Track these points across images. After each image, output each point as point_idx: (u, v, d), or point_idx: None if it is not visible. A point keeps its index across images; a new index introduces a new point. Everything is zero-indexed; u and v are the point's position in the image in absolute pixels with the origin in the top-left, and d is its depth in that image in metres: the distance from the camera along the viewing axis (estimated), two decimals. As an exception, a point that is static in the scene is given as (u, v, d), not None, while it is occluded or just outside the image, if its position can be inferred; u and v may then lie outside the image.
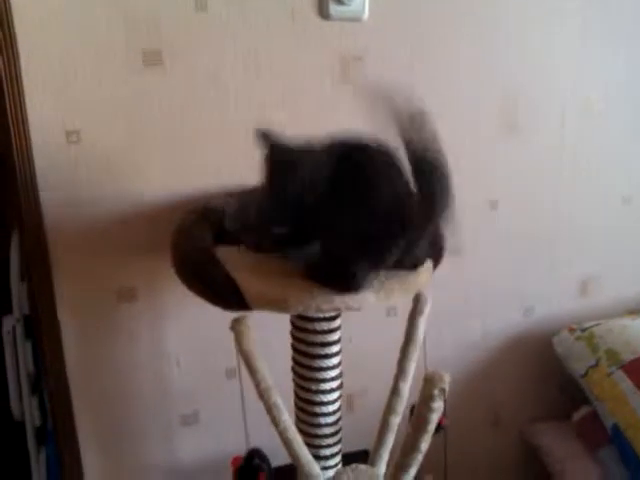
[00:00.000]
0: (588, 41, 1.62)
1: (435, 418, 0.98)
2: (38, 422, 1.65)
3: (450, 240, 1.14)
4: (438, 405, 0.96)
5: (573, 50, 1.62)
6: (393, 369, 1.24)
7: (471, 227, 1.64)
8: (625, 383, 1.58)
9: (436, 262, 1.20)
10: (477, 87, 1.54)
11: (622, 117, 1.74)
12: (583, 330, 1.75)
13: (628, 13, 1.64)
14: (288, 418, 1.09)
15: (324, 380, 1.15)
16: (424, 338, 1.22)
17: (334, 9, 1.35)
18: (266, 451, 1.16)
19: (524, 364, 1.87)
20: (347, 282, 0.97)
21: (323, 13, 1.35)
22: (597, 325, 1.76)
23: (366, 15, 1.38)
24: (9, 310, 1.57)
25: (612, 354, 1.65)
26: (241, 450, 1.17)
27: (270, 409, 1.07)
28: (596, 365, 1.67)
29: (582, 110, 1.68)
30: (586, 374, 1.68)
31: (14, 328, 1.53)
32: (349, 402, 1.66)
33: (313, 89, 1.40)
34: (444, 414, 1.01)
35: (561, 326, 1.81)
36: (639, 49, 1.69)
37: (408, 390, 1.20)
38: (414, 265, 1.07)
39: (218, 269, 1.01)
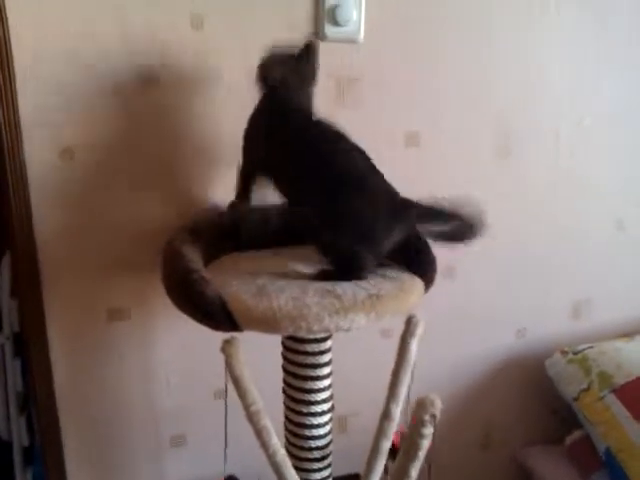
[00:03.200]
0: (581, 62, 1.64)
1: (426, 444, 0.97)
2: (26, 442, 1.63)
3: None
4: (429, 431, 0.95)
5: (566, 71, 1.63)
6: (385, 388, 1.23)
7: (463, 249, 1.64)
8: (617, 407, 1.58)
9: (427, 284, 1.20)
10: (471, 109, 1.55)
11: (616, 140, 1.75)
12: (575, 353, 1.75)
13: (621, 33, 1.66)
14: (277, 442, 1.08)
15: (315, 402, 1.14)
16: (415, 360, 1.21)
17: (330, 30, 1.36)
18: (255, 475, 1.15)
19: (516, 386, 1.86)
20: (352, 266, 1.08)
21: (319, 34, 1.37)
22: (590, 348, 1.75)
23: (362, 37, 1.40)
24: (-1, 327, 1.56)
25: (604, 377, 1.65)
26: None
27: (259, 432, 1.06)
28: (588, 388, 1.66)
29: (576, 133, 1.69)
30: (578, 397, 1.68)
31: (3, 346, 1.51)
32: (341, 423, 1.65)
33: (308, 110, 1.40)
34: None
35: (554, 348, 1.81)
36: (633, 70, 1.71)
37: (400, 413, 1.19)
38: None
39: (207, 289, 1.00)
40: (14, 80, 1.20)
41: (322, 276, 1.10)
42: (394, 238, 1.08)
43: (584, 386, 1.68)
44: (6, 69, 1.19)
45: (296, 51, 1.19)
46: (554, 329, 1.85)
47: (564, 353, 1.77)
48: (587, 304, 1.86)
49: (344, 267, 1.09)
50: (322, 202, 1.06)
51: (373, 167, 1.10)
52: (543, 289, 1.79)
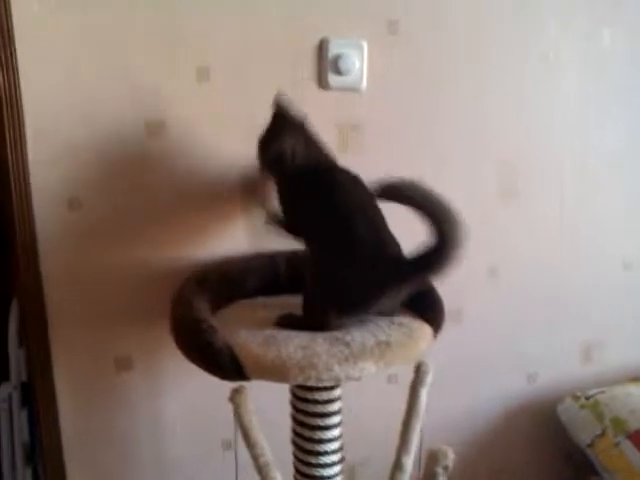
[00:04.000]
0: (586, 106, 1.65)
1: (438, 496, 0.95)
2: (31, 494, 1.60)
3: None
4: (441, 482, 0.94)
5: (571, 114, 1.64)
6: (395, 437, 1.21)
7: (471, 293, 1.64)
8: (633, 453, 1.54)
9: (436, 329, 1.19)
10: (475, 154, 1.57)
11: (621, 181, 1.75)
12: (587, 398, 1.72)
13: (626, 78, 1.68)
14: (287, 494, 1.06)
15: (325, 453, 1.13)
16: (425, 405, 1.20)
17: (333, 79, 1.39)
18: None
19: (528, 432, 1.83)
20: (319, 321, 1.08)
21: (322, 83, 1.39)
22: (601, 393, 1.73)
23: (364, 85, 1.42)
24: (6, 377, 1.55)
25: (618, 423, 1.62)
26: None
27: (269, 484, 1.04)
28: (602, 434, 1.63)
29: (581, 175, 1.69)
30: (593, 444, 1.65)
31: (10, 396, 1.50)
32: (351, 472, 1.62)
33: (313, 157, 1.42)
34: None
35: (565, 393, 1.78)
36: (637, 113, 1.72)
37: (411, 464, 1.17)
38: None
39: (216, 339, 1.00)
40: (24, 131, 1.22)
41: (286, 320, 1.12)
42: (394, 298, 1.12)
43: (598, 432, 1.65)
44: (16, 121, 1.22)
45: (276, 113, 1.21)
46: (565, 373, 1.82)
47: (576, 398, 1.74)
48: (597, 347, 1.84)
49: (309, 318, 1.11)
50: (327, 260, 1.09)
51: (383, 230, 1.13)
52: (553, 333, 1.78)
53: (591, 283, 1.78)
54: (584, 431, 1.68)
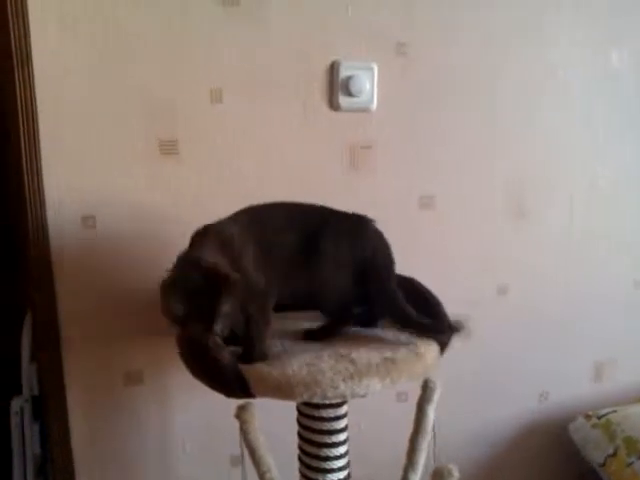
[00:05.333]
0: (595, 124, 1.66)
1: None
2: (41, 507, 1.61)
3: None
4: (446, 501, 0.93)
5: (579, 133, 1.65)
6: (404, 455, 1.20)
7: (481, 312, 1.63)
8: (646, 473, 1.53)
9: (443, 347, 1.19)
10: (484, 173, 1.58)
11: (631, 199, 1.75)
12: (599, 417, 1.71)
13: (634, 96, 1.69)
14: (293, 511, 1.06)
15: (331, 470, 1.12)
16: (433, 425, 1.20)
17: (344, 101, 1.41)
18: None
19: (540, 451, 1.82)
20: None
21: (333, 105, 1.41)
22: (614, 412, 1.71)
23: (374, 106, 1.44)
24: (19, 390, 1.56)
25: (630, 442, 1.60)
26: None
27: (274, 501, 1.05)
28: (615, 454, 1.62)
29: (590, 193, 1.70)
30: (605, 463, 1.63)
31: (22, 409, 1.52)
32: (359, 490, 1.62)
33: (323, 177, 1.44)
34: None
35: (576, 412, 1.77)
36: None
37: (418, 481, 1.17)
38: None
39: (222, 357, 1.01)
40: (39, 149, 1.25)
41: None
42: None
43: (610, 451, 1.63)
44: (33, 139, 1.25)
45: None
46: (576, 392, 1.81)
47: (588, 417, 1.73)
48: (609, 366, 1.83)
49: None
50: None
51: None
52: (564, 351, 1.77)
53: (602, 301, 1.77)
54: (596, 451, 1.67)
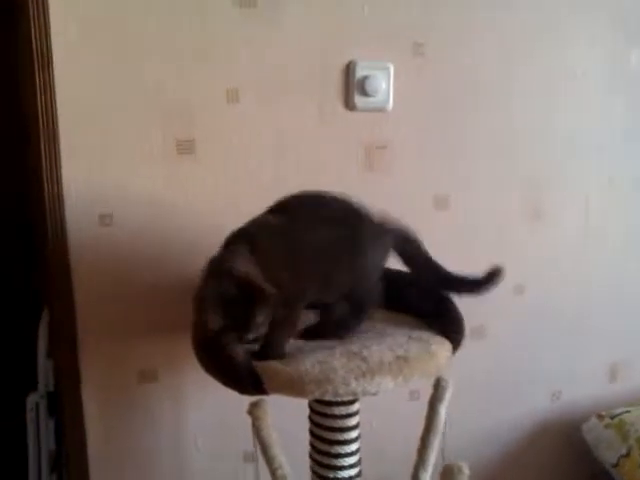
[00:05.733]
0: (611, 124, 1.65)
1: (454, 512, 0.95)
2: (56, 501, 1.63)
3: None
4: (456, 498, 0.93)
5: (596, 132, 1.65)
6: (415, 453, 1.21)
7: (497, 311, 1.63)
8: (659, 474, 1.52)
9: (456, 346, 1.19)
10: (500, 173, 1.58)
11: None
12: (612, 417, 1.70)
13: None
14: (304, 507, 1.07)
15: (342, 467, 1.13)
16: (445, 424, 1.20)
17: (360, 100, 1.42)
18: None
19: (552, 450, 1.81)
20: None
21: (349, 105, 1.42)
22: (627, 412, 1.71)
23: (390, 106, 1.45)
24: (34, 387, 1.59)
25: (644, 443, 1.60)
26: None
27: (286, 497, 1.05)
28: (627, 454, 1.61)
29: (606, 193, 1.69)
30: (618, 464, 1.63)
31: (37, 405, 1.54)
32: (370, 488, 1.62)
33: (339, 176, 1.45)
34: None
35: (590, 412, 1.76)
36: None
37: (429, 480, 1.17)
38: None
39: (235, 354, 1.02)
40: (59, 149, 1.27)
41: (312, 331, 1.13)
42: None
43: (623, 452, 1.63)
44: (52, 139, 1.26)
45: None
46: (590, 392, 1.81)
47: (601, 417, 1.72)
48: (623, 366, 1.82)
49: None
50: None
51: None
52: (578, 351, 1.76)
53: (617, 302, 1.77)
54: (609, 451, 1.66)
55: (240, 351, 1.02)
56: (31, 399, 1.52)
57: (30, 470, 1.60)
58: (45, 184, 1.27)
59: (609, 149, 1.67)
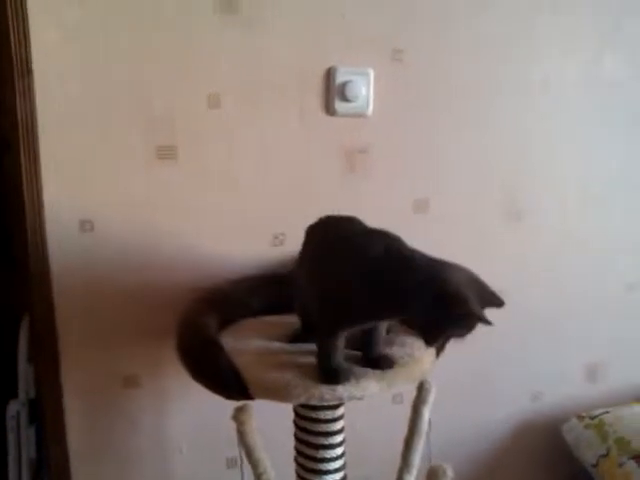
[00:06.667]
0: (587, 127, 1.67)
1: (439, 513, 0.96)
2: (37, 510, 1.61)
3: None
4: (441, 500, 0.95)
5: (572, 136, 1.67)
6: (399, 455, 1.22)
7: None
8: (638, 474, 1.54)
9: (439, 350, 1.21)
10: (478, 176, 1.59)
11: (623, 203, 1.77)
12: (592, 418, 1.72)
13: (625, 101, 1.70)
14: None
15: (327, 472, 1.13)
16: (428, 426, 1.21)
17: (340, 106, 1.42)
18: None
19: (533, 451, 1.83)
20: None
21: (329, 110, 1.43)
22: (606, 413, 1.73)
23: (370, 111, 1.45)
24: (15, 394, 1.57)
25: (622, 443, 1.62)
26: None
27: (271, 502, 1.06)
28: (607, 454, 1.63)
29: (583, 195, 1.71)
30: (597, 464, 1.64)
31: (18, 413, 1.52)
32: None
33: (320, 181, 1.45)
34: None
35: (570, 412, 1.78)
36: (637, 137, 1.74)
37: (413, 482, 1.18)
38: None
39: (221, 360, 1.02)
40: (39, 155, 1.26)
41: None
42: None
43: (603, 452, 1.65)
44: (32, 145, 1.25)
45: None
46: (570, 393, 1.83)
47: (581, 418, 1.74)
48: (602, 367, 1.85)
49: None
50: None
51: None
52: (557, 352, 1.78)
53: (595, 303, 1.79)
54: (589, 451, 1.68)
55: (226, 357, 1.02)
56: (12, 407, 1.50)
57: (10, 479, 1.58)
58: (25, 190, 1.26)
59: (585, 151, 1.69)
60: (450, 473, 0.96)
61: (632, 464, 1.57)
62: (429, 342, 0.98)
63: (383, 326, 1.07)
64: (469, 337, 1.61)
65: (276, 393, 0.99)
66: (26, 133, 1.24)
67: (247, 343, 1.15)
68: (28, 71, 1.21)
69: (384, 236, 1.01)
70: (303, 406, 1.12)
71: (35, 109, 1.23)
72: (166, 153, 1.33)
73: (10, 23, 1.19)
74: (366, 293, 0.94)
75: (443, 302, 0.92)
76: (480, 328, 1.60)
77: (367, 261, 0.96)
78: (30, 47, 1.21)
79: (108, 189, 1.31)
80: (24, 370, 1.54)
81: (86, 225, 1.31)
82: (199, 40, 1.31)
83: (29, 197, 1.27)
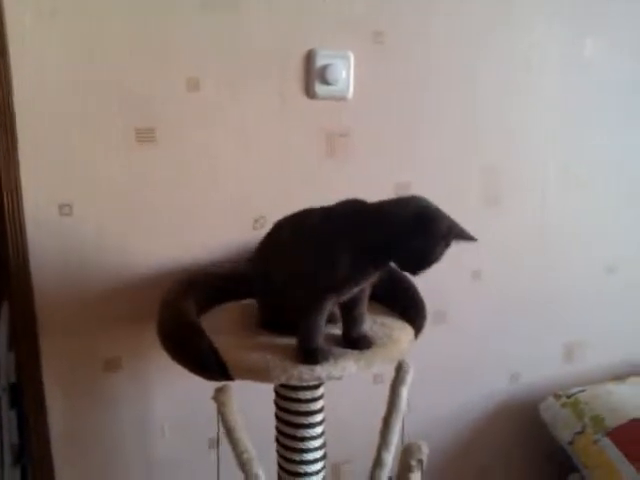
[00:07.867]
0: (567, 111, 1.70)
1: (415, 489, 0.98)
2: (20, 494, 1.61)
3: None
4: (416, 476, 0.96)
5: (552, 120, 1.69)
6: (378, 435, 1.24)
7: (454, 296, 1.67)
8: (612, 450, 1.58)
9: (417, 330, 1.22)
10: (459, 160, 1.60)
11: (603, 186, 1.80)
12: (569, 396, 1.76)
13: (606, 84, 1.72)
14: (270, 490, 1.09)
15: (308, 450, 1.15)
16: (406, 406, 1.23)
17: (320, 89, 1.42)
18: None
19: (511, 430, 1.87)
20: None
21: (310, 93, 1.43)
22: (582, 391, 1.77)
23: (351, 94, 1.46)
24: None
25: (597, 421, 1.66)
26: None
27: (252, 481, 1.07)
28: (582, 432, 1.67)
29: (562, 179, 1.73)
30: (573, 441, 1.68)
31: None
32: (335, 471, 1.65)
33: (300, 164, 1.46)
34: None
35: (547, 392, 1.82)
36: (616, 119, 1.77)
37: (391, 460, 1.20)
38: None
39: (202, 342, 1.03)
40: (16, 139, 1.24)
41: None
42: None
43: (578, 429, 1.68)
44: (9, 129, 1.23)
45: None
46: (547, 373, 1.87)
47: (557, 397, 1.78)
48: (579, 347, 1.88)
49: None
50: None
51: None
52: (535, 333, 1.82)
53: (574, 285, 1.82)
54: (565, 429, 1.72)
55: (205, 338, 1.03)
56: (-8, 392, 1.50)
57: (-8, 464, 1.58)
58: (1, 174, 1.25)
59: (565, 135, 1.71)
60: (425, 449, 0.98)
61: (606, 441, 1.61)
62: (414, 270, 0.99)
63: (365, 302, 1.09)
64: (449, 320, 1.65)
65: (256, 374, 1.01)
66: (3, 116, 1.22)
67: (227, 326, 1.16)
68: (4, 54, 1.19)
69: (352, 201, 1.06)
70: (283, 386, 1.13)
71: (11, 92, 1.22)
72: (145, 136, 1.32)
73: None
74: (348, 247, 0.98)
75: (424, 219, 0.98)
76: (458, 307, 1.65)
77: (343, 220, 1.01)
78: (5, 30, 1.18)
79: (87, 172, 1.30)
80: (5, 356, 1.54)
81: (65, 209, 1.30)
82: (178, 23, 1.30)
83: (6, 181, 1.25)
